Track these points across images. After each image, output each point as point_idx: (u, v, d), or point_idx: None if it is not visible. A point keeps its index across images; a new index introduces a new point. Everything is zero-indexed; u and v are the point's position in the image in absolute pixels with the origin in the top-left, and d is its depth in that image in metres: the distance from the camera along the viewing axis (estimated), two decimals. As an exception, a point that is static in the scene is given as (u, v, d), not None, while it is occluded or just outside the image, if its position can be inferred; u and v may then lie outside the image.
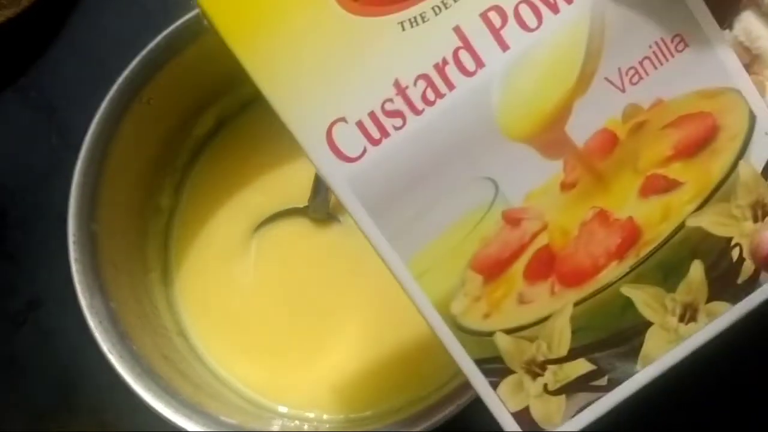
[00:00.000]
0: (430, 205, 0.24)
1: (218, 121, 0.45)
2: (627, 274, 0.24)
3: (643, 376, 0.25)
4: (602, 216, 0.24)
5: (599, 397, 0.25)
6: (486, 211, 0.24)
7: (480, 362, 0.24)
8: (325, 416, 0.40)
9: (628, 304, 0.24)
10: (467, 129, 0.23)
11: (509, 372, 0.25)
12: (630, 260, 0.24)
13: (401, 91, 0.23)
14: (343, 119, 0.23)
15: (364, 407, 0.40)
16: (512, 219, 0.24)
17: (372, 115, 0.23)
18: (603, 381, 0.25)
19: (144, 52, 0.38)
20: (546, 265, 0.24)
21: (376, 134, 0.23)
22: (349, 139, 0.23)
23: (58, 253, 0.38)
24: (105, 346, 0.36)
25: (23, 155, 0.49)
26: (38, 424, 0.45)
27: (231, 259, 0.44)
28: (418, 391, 0.39)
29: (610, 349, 0.25)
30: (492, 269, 0.24)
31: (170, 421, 0.35)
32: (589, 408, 0.25)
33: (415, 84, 0.23)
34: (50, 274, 0.45)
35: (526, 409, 0.25)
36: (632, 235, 0.24)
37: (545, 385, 0.25)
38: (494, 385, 0.25)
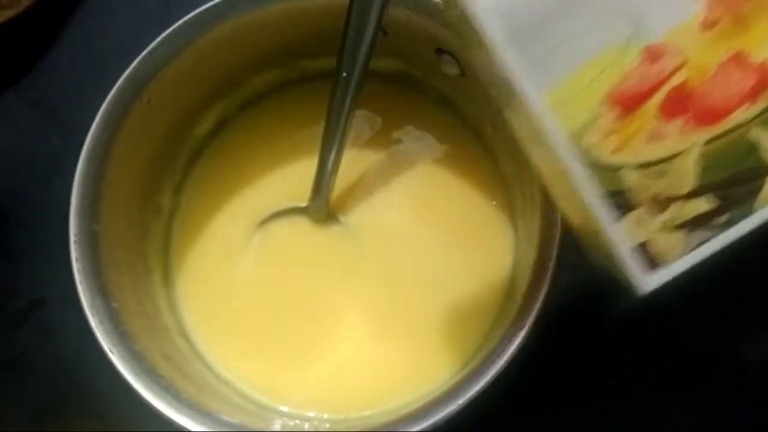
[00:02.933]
0: (570, 37, 0.24)
1: (218, 121, 0.45)
2: (757, 116, 0.25)
3: (758, 217, 0.25)
4: (739, 57, 0.24)
5: (716, 235, 0.26)
6: (626, 45, 0.24)
7: (604, 195, 0.25)
8: (325, 416, 0.40)
9: (753, 147, 0.25)
10: None
11: (632, 207, 0.25)
12: (761, 103, 0.24)
13: None
14: None
15: (364, 407, 0.40)
16: (652, 54, 0.24)
17: None
18: (722, 219, 0.25)
19: (144, 53, 0.38)
20: (681, 102, 0.24)
21: None
22: None
23: (60, 254, 0.37)
24: (106, 346, 0.36)
25: (24, 156, 0.48)
26: (39, 424, 0.45)
27: (231, 259, 0.44)
28: (418, 391, 0.38)
29: (730, 189, 0.25)
30: (628, 102, 0.24)
31: (172, 420, 0.35)
32: (706, 244, 0.26)
33: None
34: (51, 274, 0.44)
35: (646, 243, 0.25)
36: (766, 78, 0.24)
37: (666, 221, 0.25)
38: (616, 219, 0.25)
